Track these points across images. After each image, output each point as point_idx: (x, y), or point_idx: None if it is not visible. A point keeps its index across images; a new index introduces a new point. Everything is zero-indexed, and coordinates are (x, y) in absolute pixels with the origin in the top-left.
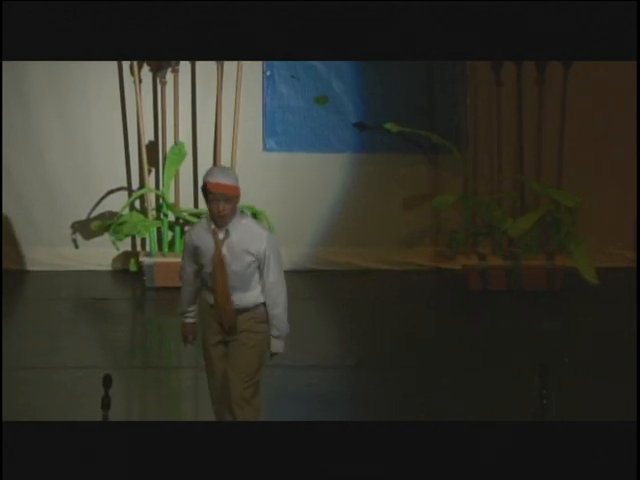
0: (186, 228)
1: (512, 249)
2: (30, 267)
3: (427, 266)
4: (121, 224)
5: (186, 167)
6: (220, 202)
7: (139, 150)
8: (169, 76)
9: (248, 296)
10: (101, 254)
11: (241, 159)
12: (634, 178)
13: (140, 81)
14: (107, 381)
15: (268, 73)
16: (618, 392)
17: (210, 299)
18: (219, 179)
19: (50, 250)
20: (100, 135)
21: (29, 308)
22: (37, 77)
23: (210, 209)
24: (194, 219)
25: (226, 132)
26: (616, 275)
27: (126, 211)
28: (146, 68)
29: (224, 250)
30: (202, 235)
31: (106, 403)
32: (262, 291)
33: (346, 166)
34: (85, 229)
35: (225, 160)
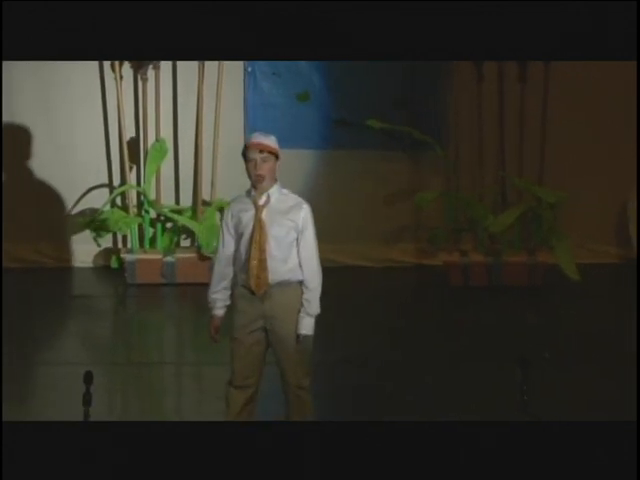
0: (167, 225)
1: (493, 245)
2: (11, 264)
3: (409, 262)
4: (102, 221)
5: (167, 164)
6: (257, 161)
7: (120, 147)
8: (150, 73)
9: (286, 269)
10: (82, 251)
11: (222, 155)
12: (615, 174)
13: (121, 78)
14: (88, 378)
15: (249, 69)
16: (599, 387)
17: (246, 278)
18: (259, 139)
19: (31, 247)
20: (81, 132)
21: (9, 305)
22: (19, 74)
23: (248, 170)
24: (175, 216)
25: (207, 129)
26: (598, 271)
27: (107, 208)
28: (127, 65)
29: (264, 215)
30: (243, 205)
31: (87, 399)
32: (299, 267)
33: (327, 163)
34: (66, 226)
35: (207, 156)
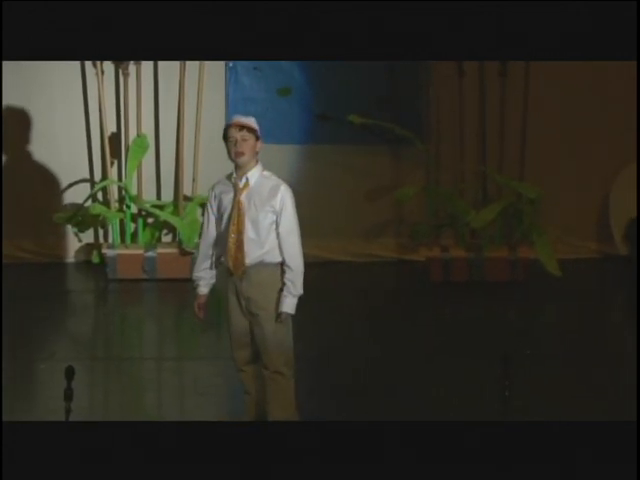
0: (149, 220)
1: (474, 240)
2: None
3: (389, 258)
4: (84, 216)
5: (148, 159)
6: (237, 139)
7: (101, 142)
8: (132, 68)
9: (263, 251)
10: (63, 246)
11: (204, 150)
12: (596, 169)
13: (102, 73)
14: (69, 373)
15: (230, 65)
16: (581, 383)
17: (227, 259)
18: (237, 118)
19: (11, 242)
20: (62, 127)
21: None
22: None
23: (229, 151)
24: (156, 211)
25: (189, 124)
26: (578, 266)
27: (89, 203)
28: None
29: (243, 197)
30: (224, 187)
31: (69, 395)
32: (277, 249)
33: (308, 157)
34: (47, 221)
35: (188, 152)
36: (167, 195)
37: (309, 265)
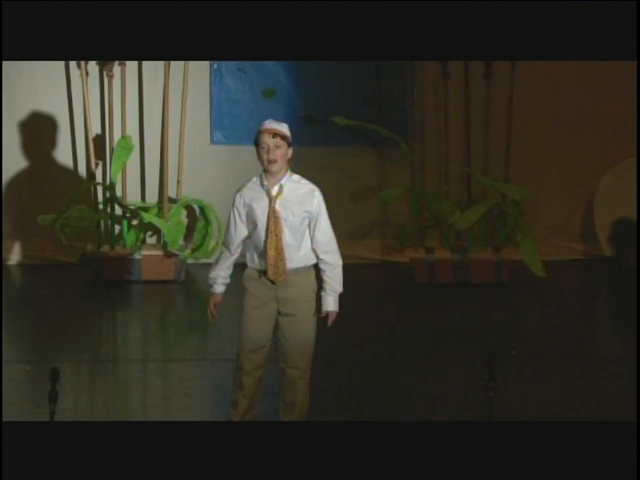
0: (134, 222)
1: (459, 242)
2: None
3: (375, 259)
4: (68, 217)
5: (133, 160)
6: (270, 146)
7: (86, 143)
8: (116, 69)
9: (301, 255)
10: (48, 248)
11: (189, 152)
12: (581, 171)
13: (87, 74)
14: (54, 375)
15: (215, 66)
16: (566, 383)
17: (261, 264)
18: (272, 124)
19: None
20: (47, 128)
21: None
22: None
23: (260, 157)
24: (141, 213)
25: (173, 125)
26: (563, 268)
27: (73, 204)
28: (93, 61)
29: (278, 206)
30: (255, 193)
31: (53, 397)
32: (311, 251)
33: (293, 159)
34: (32, 223)
35: (173, 153)
36: (152, 197)
37: None
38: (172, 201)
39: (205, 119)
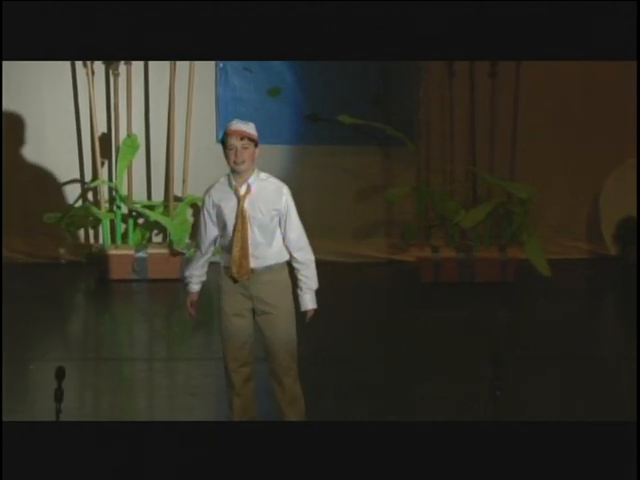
0: (139, 220)
1: (465, 241)
2: None
3: (380, 258)
4: (74, 216)
5: (139, 159)
6: (238, 148)
7: (92, 142)
8: (122, 68)
9: (273, 252)
10: (54, 246)
11: (194, 151)
12: (586, 169)
13: (93, 73)
14: (60, 373)
15: (221, 65)
16: (571, 382)
17: (229, 261)
18: (239, 126)
19: (2, 243)
20: (53, 127)
21: None
22: None
23: (228, 158)
24: (147, 211)
25: (179, 124)
26: (569, 267)
27: (79, 203)
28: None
29: (246, 205)
30: (223, 194)
31: (59, 395)
32: (284, 248)
33: (298, 158)
34: (38, 221)
35: (178, 152)
36: (157, 195)
37: None
38: (178, 199)
39: (211, 118)
